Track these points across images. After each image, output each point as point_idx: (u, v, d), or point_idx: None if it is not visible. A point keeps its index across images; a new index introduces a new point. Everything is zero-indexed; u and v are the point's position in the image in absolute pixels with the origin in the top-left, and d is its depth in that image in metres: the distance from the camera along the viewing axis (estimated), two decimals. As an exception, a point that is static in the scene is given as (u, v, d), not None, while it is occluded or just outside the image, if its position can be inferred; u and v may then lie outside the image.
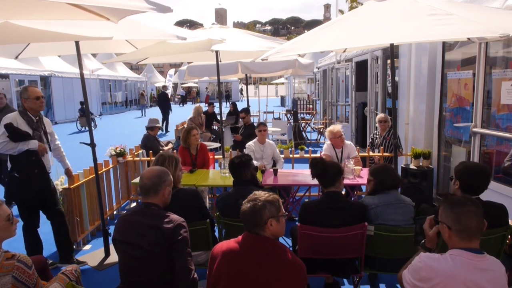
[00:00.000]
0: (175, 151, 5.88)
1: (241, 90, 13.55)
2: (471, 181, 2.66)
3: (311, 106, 20.61)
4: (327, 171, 3.02)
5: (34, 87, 3.81)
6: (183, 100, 36.82)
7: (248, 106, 8.26)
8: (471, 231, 1.79)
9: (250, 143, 5.40)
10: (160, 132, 15.16)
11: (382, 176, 3.04)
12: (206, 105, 29.08)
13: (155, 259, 2.24)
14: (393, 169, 3.17)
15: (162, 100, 17.21)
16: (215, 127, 10.56)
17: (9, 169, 3.65)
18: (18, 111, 3.67)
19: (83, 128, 16.30)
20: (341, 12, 22.62)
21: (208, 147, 5.87)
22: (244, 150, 5.42)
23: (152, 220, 2.30)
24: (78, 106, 17.99)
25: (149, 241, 2.24)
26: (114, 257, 4.13)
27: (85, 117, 15.37)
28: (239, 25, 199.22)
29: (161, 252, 2.22)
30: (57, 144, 4.09)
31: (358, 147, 5.75)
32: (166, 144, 6.76)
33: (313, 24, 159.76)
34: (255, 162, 4.47)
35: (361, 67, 9.37)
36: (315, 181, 3.25)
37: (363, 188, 5.63)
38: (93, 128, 14.60)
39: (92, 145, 3.97)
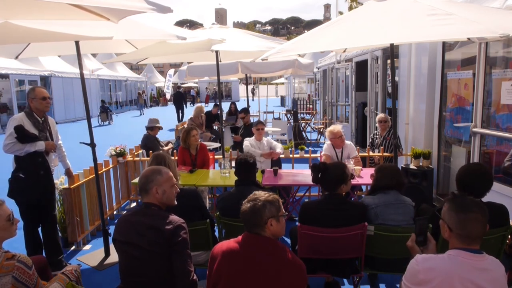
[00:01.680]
0: (175, 151, 5.88)
1: (253, 89, 13.93)
2: (467, 182, 2.66)
3: (311, 106, 20.61)
4: (328, 176, 3.00)
5: (42, 87, 3.85)
6: (193, 100, 37.09)
7: (248, 106, 8.25)
8: (472, 237, 1.77)
9: (248, 139, 5.48)
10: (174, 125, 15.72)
11: (382, 174, 3.07)
12: (207, 105, 29.31)
13: (155, 259, 2.23)
14: (396, 171, 3.11)
15: (178, 98, 20.64)
16: (215, 127, 10.56)
17: (13, 170, 3.65)
18: (24, 112, 3.67)
19: (103, 123, 19.86)
20: (341, 13, 22.62)
21: (208, 147, 5.88)
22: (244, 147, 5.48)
23: (152, 220, 2.29)
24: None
25: (148, 241, 2.23)
26: (114, 257, 4.13)
27: (105, 113, 19.99)
28: (239, 25, 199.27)
29: (161, 252, 2.22)
30: (60, 144, 4.10)
31: (358, 147, 5.75)
32: (166, 144, 6.76)
33: (313, 24, 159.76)
34: None
35: (361, 67, 9.37)
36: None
37: (363, 188, 5.63)
38: (109, 123, 15.94)
39: (92, 145, 3.97)
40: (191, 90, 39.38)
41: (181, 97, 20.99)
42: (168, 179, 2.42)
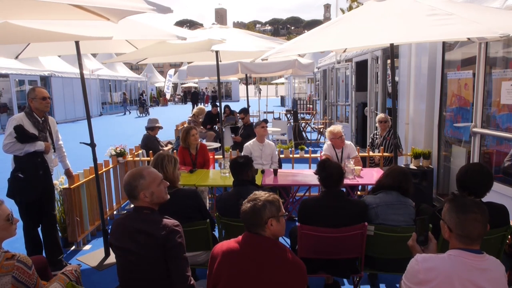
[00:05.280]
0: (175, 151, 5.88)
1: (259, 89, 14.70)
2: (467, 182, 2.66)
3: (311, 106, 20.60)
4: (332, 174, 2.99)
5: (42, 87, 3.85)
6: (214, 100, 37.77)
7: (248, 106, 8.26)
8: (473, 237, 1.76)
9: (248, 143, 5.37)
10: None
11: (388, 173, 3.08)
12: (207, 105, 29.81)
13: (151, 263, 2.20)
14: (402, 174, 3.07)
15: (194, 97, 30.58)
16: (215, 127, 10.58)
17: (12, 169, 3.65)
18: (24, 112, 3.68)
19: (141, 115, 24.66)
20: (342, 10, 22.61)
21: (208, 147, 5.88)
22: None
23: (144, 225, 2.22)
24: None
25: (142, 246, 2.19)
26: (114, 257, 4.09)
27: (142, 107, 25.43)
28: (239, 25, 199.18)
29: (156, 256, 2.18)
30: (60, 144, 4.11)
31: (358, 147, 5.75)
32: (166, 145, 6.76)
33: (313, 24, 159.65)
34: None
35: (361, 67, 9.37)
36: (315, 181, 3.24)
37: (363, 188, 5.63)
38: (146, 116, 19.56)
39: (92, 145, 3.97)
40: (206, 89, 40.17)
41: (196, 96, 30.64)
42: (152, 180, 2.30)
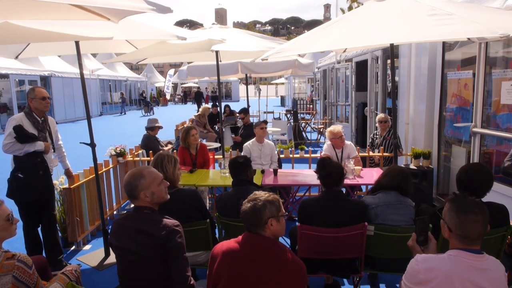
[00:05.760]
0: (175, 151, 5.88)
1: (259, 89, 14.89)
2: (467, 182, 2.66)
3: (311, 106, 20.61)
4: (332, 173, 2.99)
5: (41, 87, 3.86)
6: (214, 100, 37.81)
7: (248, 106, 8.26)
8: (473, 237, 1.76)
9: (247, 144, 5.37)
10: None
11: (387, 173, 3.08)
12: (206, 105, 30.02)
13: (151, 264, 2.20)
14: (402, 174, 3.06)
15: (198, 96, 31.29)
16: (215, 127, 10.59)
17: (12, 169, 3.65)
18: (24, 112, 3.68)
19: (146, 114, 25.64)
20: (342, 10, 22.60)
21: (208, 147, 5.88)
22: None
23: (144, 225, 2.22)
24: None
25: (142, 246, 2.18)
26: (114, 257, 4.08)
27: (147, 106, 26.84)
28: (239, 25, 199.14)
29: (156, 257, 2.18)
30: (60, 144, 4.11)
31: (358, 147, 5.75)
32: (166, 145, 6.76)
33: (313, 24, 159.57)
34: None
35: (361, 67, 9.37)
36: (315, 181, 3.24)
37: (363, 188, 5.63)
38: (151, 115, 20.02)
39: (92, 145, 3.97)
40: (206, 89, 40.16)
41: (200, 95, 31.49)
42: (152, 180, 2.30)
